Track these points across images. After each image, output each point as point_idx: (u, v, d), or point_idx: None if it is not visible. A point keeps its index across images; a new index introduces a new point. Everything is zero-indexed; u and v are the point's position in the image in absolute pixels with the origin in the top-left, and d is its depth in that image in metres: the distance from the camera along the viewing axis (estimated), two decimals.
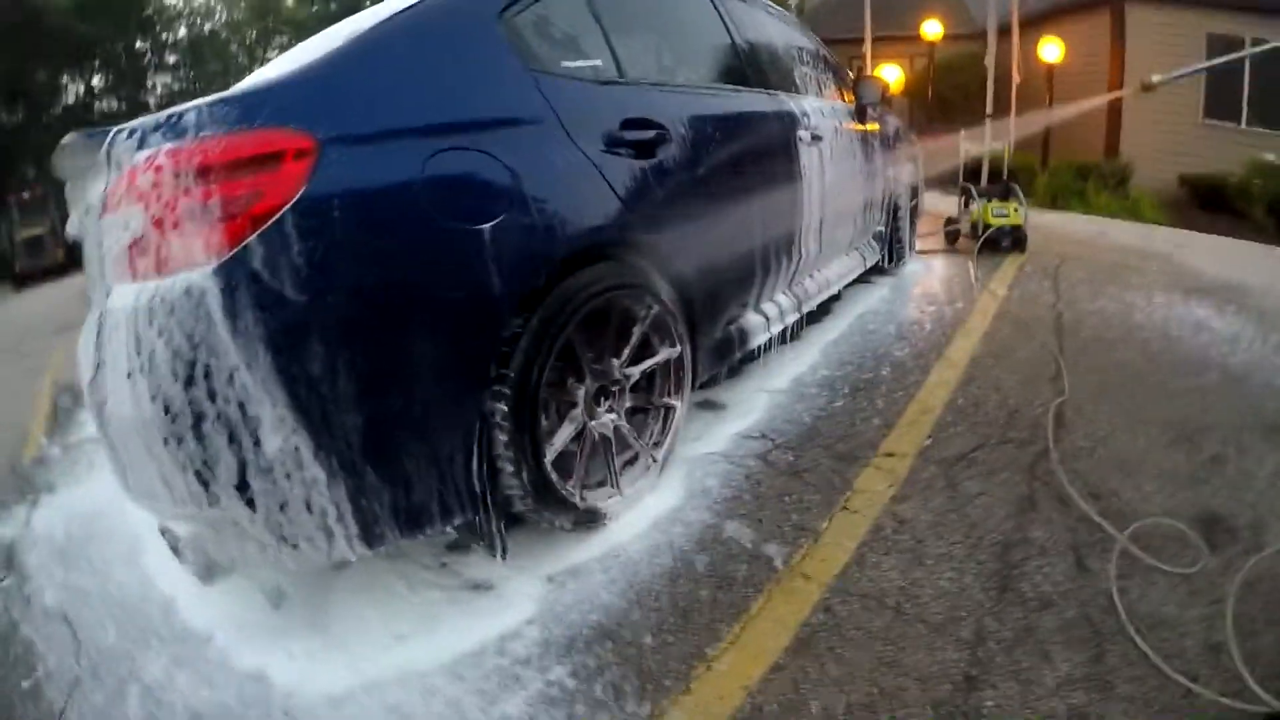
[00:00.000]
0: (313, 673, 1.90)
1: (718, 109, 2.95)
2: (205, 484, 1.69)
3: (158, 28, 32.99)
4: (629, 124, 2.43)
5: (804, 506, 2.49)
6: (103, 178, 1.80)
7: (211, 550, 1.93)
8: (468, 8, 2.22)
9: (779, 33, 3.87)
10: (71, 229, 1.99)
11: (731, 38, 3.28)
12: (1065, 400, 3.14)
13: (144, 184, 1.68)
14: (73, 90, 30.22)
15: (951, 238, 6.57)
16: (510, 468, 2.04)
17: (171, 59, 32.13)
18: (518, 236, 2.00)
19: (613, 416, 2.40)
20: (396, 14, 2.12)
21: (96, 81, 31.11)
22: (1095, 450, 2.76)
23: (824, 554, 2.25)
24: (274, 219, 1.64)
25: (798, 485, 2.62)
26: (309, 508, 1.72)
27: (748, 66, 3.30)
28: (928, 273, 5.69)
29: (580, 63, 2.45)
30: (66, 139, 1.88)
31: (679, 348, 2.58)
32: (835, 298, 4.45)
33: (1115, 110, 11.87)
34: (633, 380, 2.45)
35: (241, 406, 1.64)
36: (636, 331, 2.41)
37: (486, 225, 1.93)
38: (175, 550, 2.07)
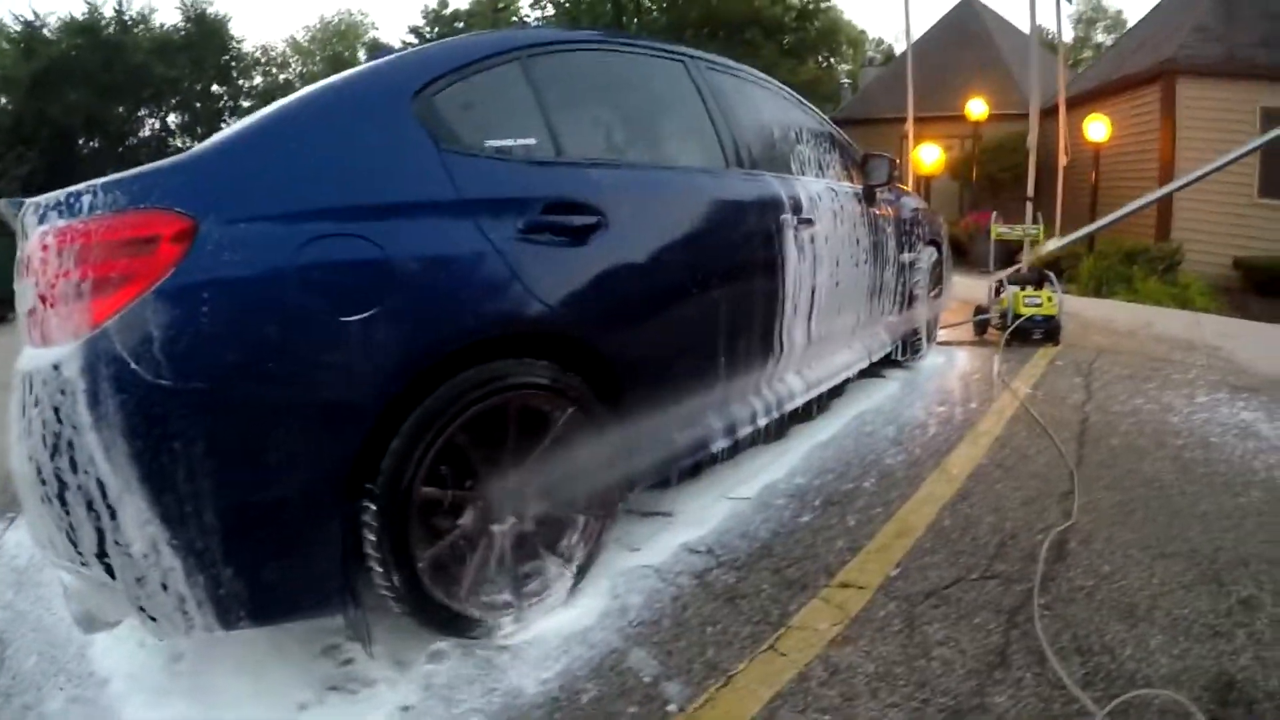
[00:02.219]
0: None
1: (676, 190, 2.73)
2: (74, 545, 1.70)
3: (235, 74, 34.68)
4: (555, 208, 2.24)
5: (726, 640, 2.18)
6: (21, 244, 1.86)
7: (90, 604, 1.93)
8: (380, 86, 2.17)
9: (773, 109, 3.64)
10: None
11: (709, 113, 3.05)
12: (1072, 525, 2.77)
13: (35, 259, 1.72)
14: (151, 125, 31.98)
15: (980, 328, 6.22)
16: (380, 569, 1.95)
17: (247, 104, 33.64)
18: (390, 331, 1.87)
19: (515, 524, 2.20)
20: (311, 92, 2.16)
21: (173, 119, 32.83)
22: (1097, 591, 2.37)
23: (729, 703, 1.93)
24: (136, 302, 1.63)
25: (728, 614, 2.30)
26: (165, 587, 1.71)
27: (726, 145, 3.07)
28: (948, 366, 5.34)
29: (508, 141, 2.28)
30: (0, 204, 1.96)
31: (605, 453, 2.33)
32: (838, 393, 4.15)
33: None
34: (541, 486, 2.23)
35: (100, 484, 1.63)
36: (548, 435, 2.20)
37: (355, 318, 1.82)
38: (65, 596, 2.05)
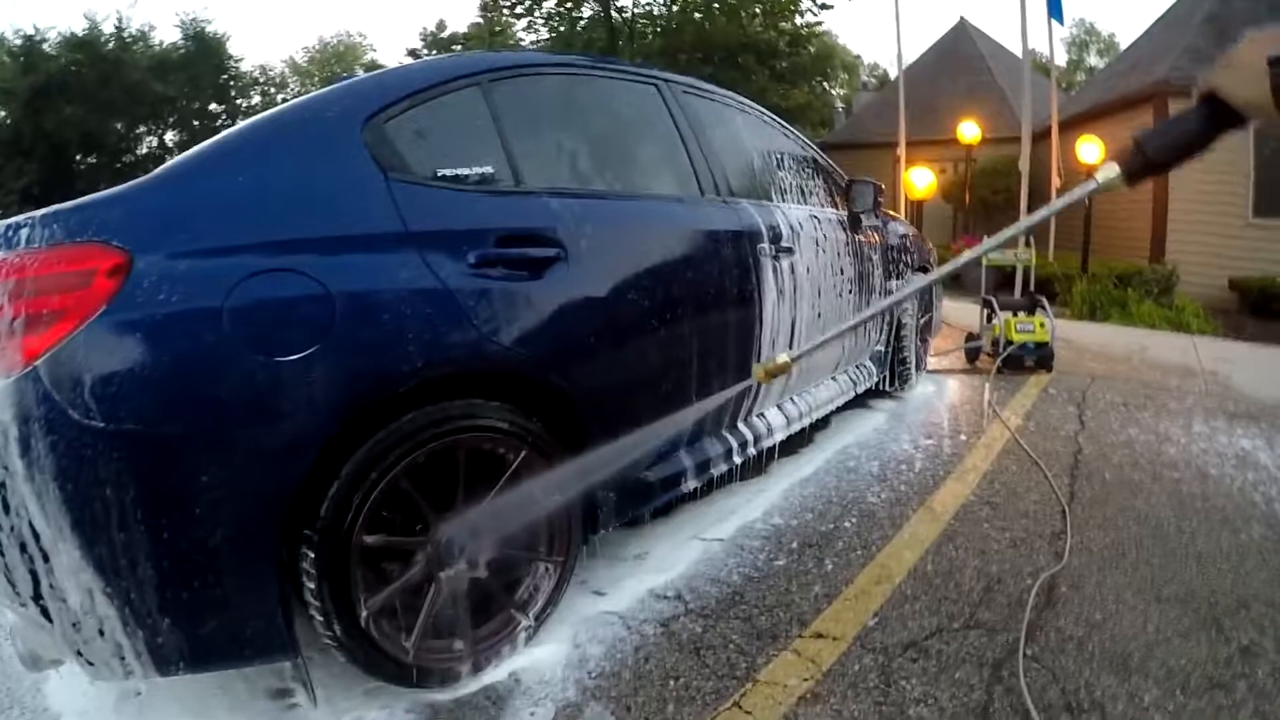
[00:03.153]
0: None
1: (644, 220, 2.62)
2: (12, 585, 1.65)
3: (233, 93, 34.91)
4: (510, 240, 2.14)
5: (688, 696, 2.05)
6: None
7: (32, 643, 1.88)
8: (328, 114, 2.06)
9: (753, 134, 3.54)
10: None
11: (682, 140, 2.95)
12: (1062, 569, 2.63)
13: None
14: (148, 142, 32.16)
15: (971, 355, 6.11)
16: (320, 617, 1.87)
17: None
18: (329, 371, 1.78)
19: (467, 570, 2.09)
20: (259, 120, 2.08)
21: (171, 137, 33.04)
22: (1088, 640, 2.24)
23: None
24: (67, 339, 1.57)
25: (692, 666, 2.18)
26: (101, 633, 1.65)
27: (701, 172, 2.96)
28: (938, 396, 5.22)
29: (463, 170, 2.17)
30: None
31: (563, 496, 2.22)
32: (822, 425, 4.03)
33: (1160, 211, 11.32)
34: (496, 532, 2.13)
35: (33, 528, 1.58)
36: (503, 479, 2.10)
37: (292, 358, 1.73)
38: (10, 634, 2.02)
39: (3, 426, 1.55)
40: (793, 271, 3.22)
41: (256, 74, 37.23)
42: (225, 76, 33.49)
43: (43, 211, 1.66)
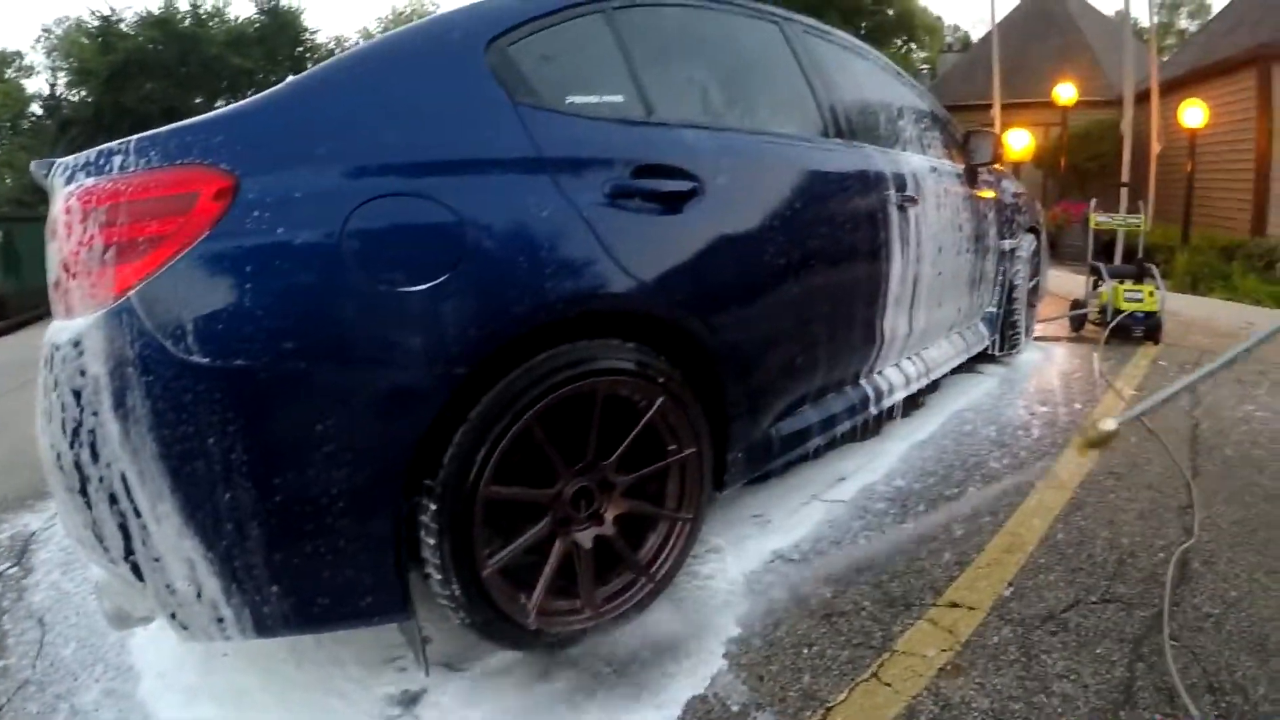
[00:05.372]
0: None
1: (780, 159, 2.48)
2: (100, 541, 1.55)
3: (309, 65, 35.37)
4: (646, 171, 2.01)
5: (824, 665, 1.94)
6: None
7: (120, 601, 1.76)
8: (449, 35, 1.93)
9: (872, 79, 3.37)
10: None
11: (807, 80, 2.80)
12: (1193, 544, 2.46)
13: (60, 223, 1.55)
14: None
15: (1077, 323, 5.85)
16: (438, 575, 1.74)
17: None
18: (459, 305, 1.64)
19: (592, 527, 1.98)
20: (374, 43, 1.94)
21: None
22: (1224, 620, 2.08)
23: None
24: (166, 267, 1.45)
25: (825, 634, 2.07)
26: (198, 595, 1.54)
27: (825, 114, 2.81)
28: (1046, 363, 5.01)
29: (593, 98, 2.06)
30: (32, 165, 1.78)
31: (694, 448, 2.11)
32: (932, 388, 3.87)
33: (1262, 184, 10.74)
34: (626, 485, 2.01)
35: (124, 481, 1.47)
36: (635, 427, 1.97)
37: (418, 289, 1.59)
38: (96, 591, 1.90)
39: (92, 366, 1.45)
40: (916, 223, 3.06)
41: (332, 45, 37.45)
42: (301, 49, 33.82)
43: (137, 137, 1.55)
